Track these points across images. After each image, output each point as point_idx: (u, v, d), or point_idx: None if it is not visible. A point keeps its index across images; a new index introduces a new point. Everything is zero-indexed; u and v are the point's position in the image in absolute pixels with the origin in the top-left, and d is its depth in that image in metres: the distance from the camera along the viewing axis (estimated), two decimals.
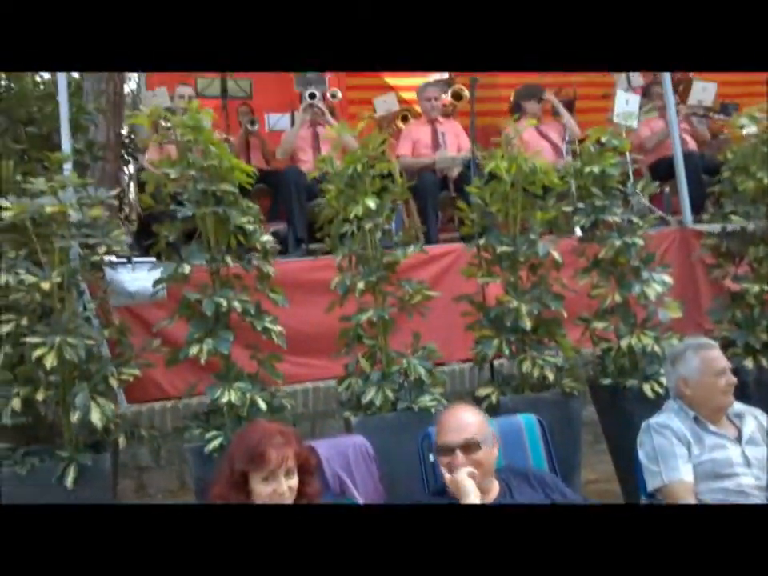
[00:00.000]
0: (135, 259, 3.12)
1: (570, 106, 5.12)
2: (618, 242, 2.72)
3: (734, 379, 2.07)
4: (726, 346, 3.01)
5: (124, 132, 5.36)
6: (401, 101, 5.66)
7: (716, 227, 3.18)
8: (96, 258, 2.50)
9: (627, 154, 3.64)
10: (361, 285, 2.63)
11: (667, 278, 2.76)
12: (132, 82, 12.36)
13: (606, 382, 2.80)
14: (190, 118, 2.31)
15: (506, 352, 2.71)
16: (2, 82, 3.42)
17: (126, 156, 4.97)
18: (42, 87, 3.80)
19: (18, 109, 3.45)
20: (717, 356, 2.10)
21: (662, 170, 4.41)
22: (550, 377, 2.67)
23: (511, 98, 5.86)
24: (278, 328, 2.53)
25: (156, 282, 2.50)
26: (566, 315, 2.75)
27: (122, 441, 2.44)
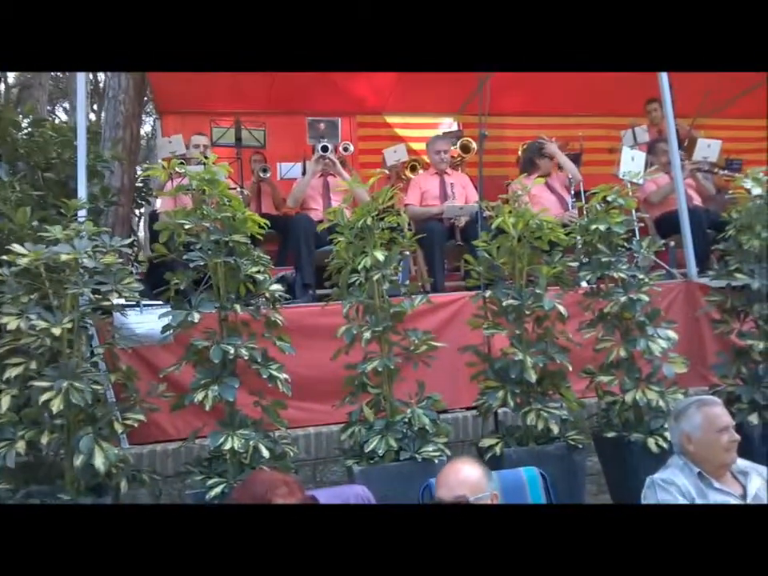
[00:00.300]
0: (144, 302, 3.16)
1: (576, 159, 5.21)
2: (623, 298, 2.74)
3: (737, 436, 2.05)
4: (732, 401, 3.01)
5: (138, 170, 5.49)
6: (410, 151, 5.78)
7: (721, 283, 3.20)
8: (107, 303, 2.54)
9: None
10: (367, 334, 2.65)
11: (672, 334, 2.78)
12: (147, 125, 12.66)
13: (611, 435, 2.80)
14: (206, 171, 2.38)
15: (511, 404, 2.71)
16: (24, 129, 3.52)
17: (138, 200, 5.05)
18: (59, 134, 3.90)
19: (37, 154, 3.55)
20: (719, 413, 2.09)
21: (668, 225, 4.46)
22: (555, 429, 2.66)
23: (520, 153, 5.99)
24: (284, 375, 2.55)
25: (165, 328, 2.54)
26: (570, 368, 2.76)
27: (123, 485, 2.43)
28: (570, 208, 4.50)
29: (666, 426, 2.63)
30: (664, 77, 4.13)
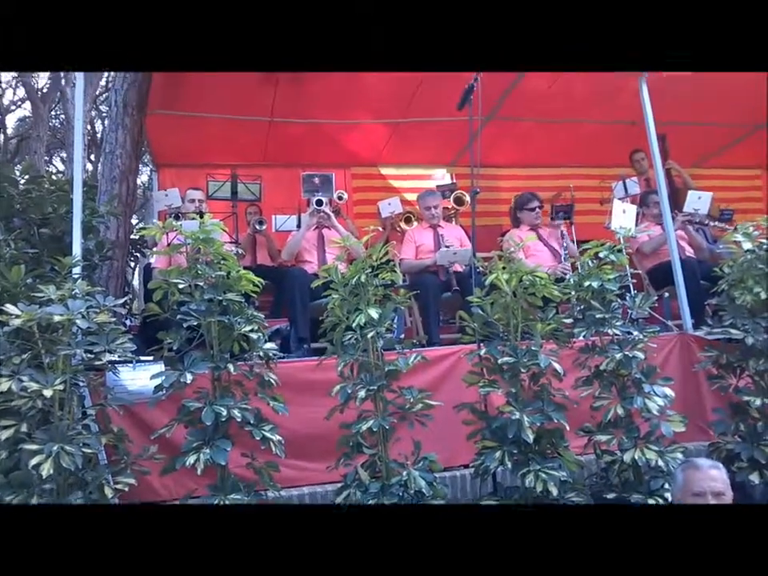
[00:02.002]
0: (136, 359, 3.13)
1: (568, 210, 5.27)
2: (618, 355, 2.73)
3: (717, 501, 2.05)
4: (731, 459, 2.97)
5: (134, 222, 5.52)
6: (404, 202, 5.84)
7: (716, 336, 3.20)
8: (99, 362, 2.52)
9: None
10: (362, 393, 2.63)
11: (669, 392, 2.76)
12: (144, 174, 12.78)
13: (611, 496, 2.75)
14: (201, 230, 2.39)
15: (509, 465, 2.67)
16: (21, 186, 3.54)
17: (134, 252, 5.07)
18: (55, 188, 3.92)
19: (33, 210, 3.57)
20: (699, 477, 2.11)
21: (661, 276, 4.49)
22: (554, 491, 2.61)
23: (512, 205, 6.06)
24: (277, 437, 2.52)
25: (157, 388, 2.51)
26: (568, 427, 2.73)
27: None
28: (563, 260, 4.52)
29: (667, 486, 2.60)
30: (651, 127, 4.21)
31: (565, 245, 4.61)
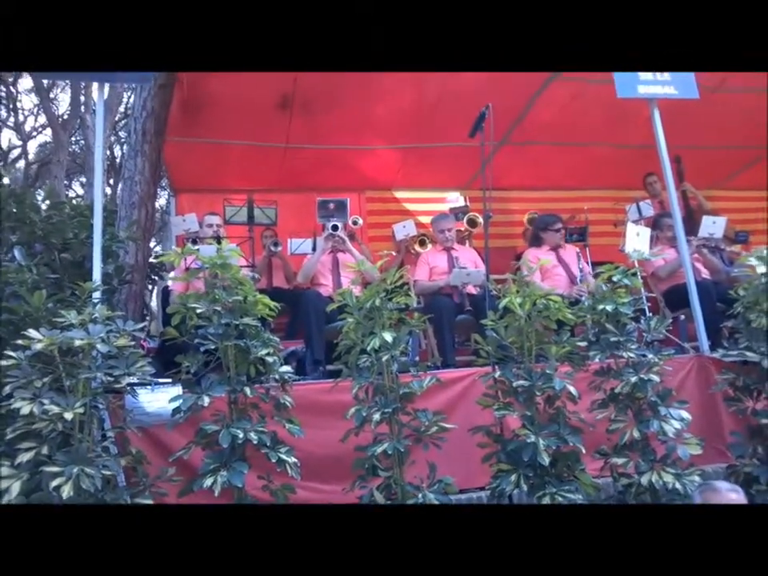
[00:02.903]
0: (155, 381, 3.17)
1: (582, 232, 5.29)
2: (633, 378, 2.73)
3: None
4: (749, 482, 2.94)
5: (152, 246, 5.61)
6: (418, 225, 5.90)
7: (732, 359, 3.18)
8: (118, 385, 2.56)
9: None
10: (377, 416, 2.64)
11: (685, 415, 2.74)
12: (162, 198, 12.97)
13: None
14: (218, 256, 2.43)
15: (525, 488, 2.66)
16: (43, 212, 3.62)
17: (152, 275, 5.14)
18: (76, 213, 4.00)
19: (54, 235, 3.64)
20: (719, 500, 2.10)
21: (677, 298, 4.47)
22: None
23: (526, 223, 6.09)
24: (293, 459, 2.53)
25: (175, 411, 2.54)
26: (584, 451, 2.72)
27: None
28: (579, 282, 4.53)
29: None
30: (663, 150, 4.23)
31: (580, 266, 4.62)
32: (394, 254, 5.21)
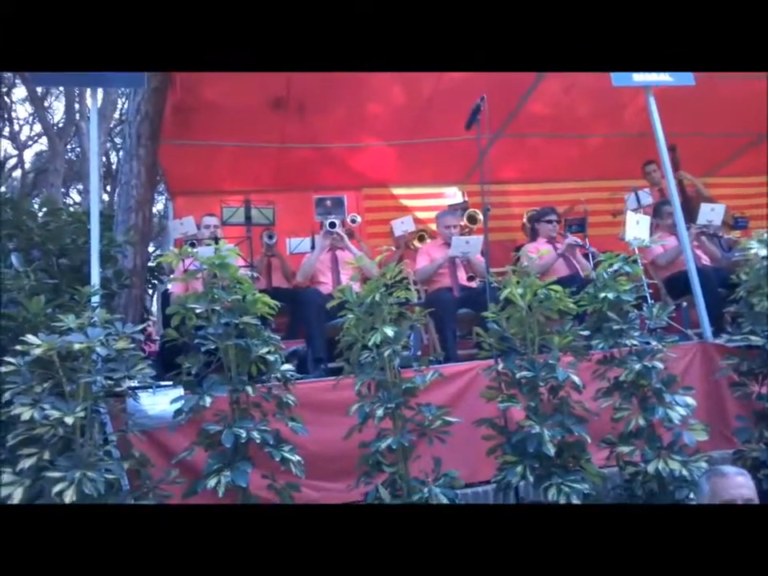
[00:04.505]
0: (156, 384, 3.16)
1: (582, 223, 5.27)
2: (637, 366, 2.71)
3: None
4: (757, 467, 2.93)
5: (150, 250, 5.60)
6: (416, 221, 5.88)
7: (736, 344, 3.17)
8: (119, 388, 2.55)
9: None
10: (380, 412, 2.62)
11: (690, 401, 2.73)
12: (159, 203, 12.96)
13: None
14: (216, 256, 2.42)
15: (531, 478, 2.64)
16: (39, 219, 3.60)
17: (151, 279, 5.12)
18: (73, 219, 3.98)
19: (52, 241, 3.62)
20: (728, 484, 2.09)
21: (678, 285, 4.46)
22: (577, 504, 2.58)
23: (524, 220, 6.09)
24: (296, 458, 2.52)
25: (176, 413, 2.53)
26: (589, 440, 2.70)
27: None
28: (580, 271, 4.53)
29: (692, 495, 2.56)
30: (661, 138, 4.21)
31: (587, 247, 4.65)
32: (393, 248, 5.20)
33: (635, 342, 2.79)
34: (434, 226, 5.48)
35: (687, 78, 4.20)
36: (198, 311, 2.47)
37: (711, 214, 4.56)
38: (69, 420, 2.28)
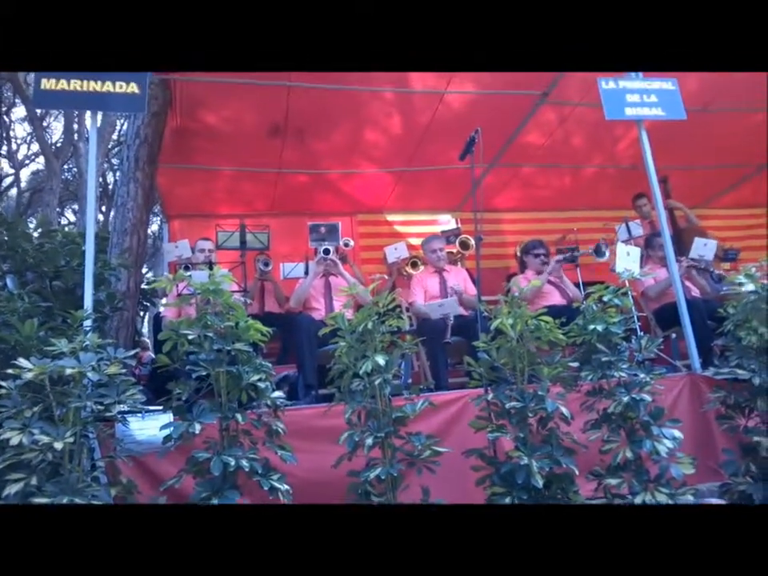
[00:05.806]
0: (146, 409, 3.15)
1: (573, 251, 5.32)
2: (625, 398, 2.73)
3: None
4: (744, 500, 2.93)
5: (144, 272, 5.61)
6: (410, 247, 5.92)
7: (724, 377, 3.20)
8: (109, 414, 2.55)
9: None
10: (369, 440, 2.63)
11: (678, 434, 2.74)
12: (154, 224, 12.98)
13: None
14: (210, 282, 2.44)
15: None
16: (35, 240, 3.63)
17: (144, 302, 5.13)
18: (68, 240, 3.99)
19: (46, 263, 3.64)
20: None
21: (668, 317, 4.49)
22: None
23: (517, 252, 6.15)
24: (285, 487, 2.52)
25: (166, 439, 2.53)
26: (577, 472, 2.71)
27: None
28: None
29: None
30: (652, 171, 4.28)
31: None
32: (386, 277, 5.23)
33: (624, 374, 2.81)
34: None
35: (679, 112, 4.27)
36: (190, 337, 2.48)
37: (704, 248, 4.63)
38: (58, 445, 2.28)
